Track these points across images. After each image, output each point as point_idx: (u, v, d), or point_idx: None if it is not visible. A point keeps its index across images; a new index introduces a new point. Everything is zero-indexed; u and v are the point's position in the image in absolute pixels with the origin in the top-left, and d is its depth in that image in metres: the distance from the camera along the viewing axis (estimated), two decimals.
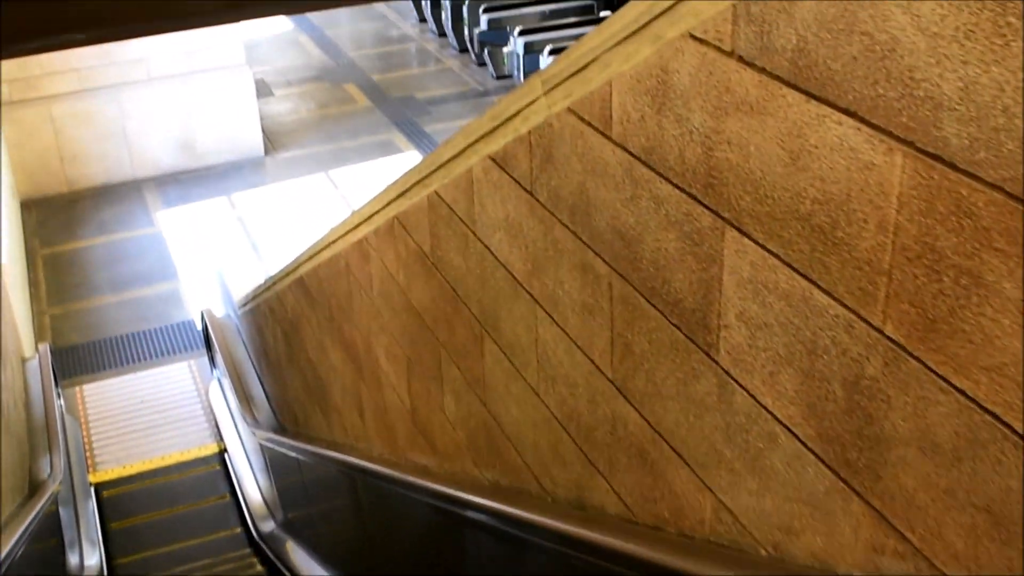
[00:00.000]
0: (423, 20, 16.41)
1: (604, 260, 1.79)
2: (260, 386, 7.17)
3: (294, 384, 5.73)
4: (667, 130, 1.51)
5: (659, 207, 1.58)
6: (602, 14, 14.16)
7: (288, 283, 5.08)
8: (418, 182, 2.70)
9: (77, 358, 9.05)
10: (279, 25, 16.63)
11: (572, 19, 14.00)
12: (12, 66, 10.46)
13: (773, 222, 1.34)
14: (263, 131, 12.31)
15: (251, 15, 6.08)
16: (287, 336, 5.58)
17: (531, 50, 12.82)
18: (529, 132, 1.97)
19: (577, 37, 13.03)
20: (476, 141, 2.22)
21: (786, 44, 1.24)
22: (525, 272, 2.13)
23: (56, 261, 10.47)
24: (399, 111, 13.35)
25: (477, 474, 2.72)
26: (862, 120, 1.16)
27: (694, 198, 1.49)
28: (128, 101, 11.22)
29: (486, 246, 2.31)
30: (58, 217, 11.13)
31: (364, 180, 11.30)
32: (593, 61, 1.66)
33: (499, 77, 13.98)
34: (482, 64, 14.37)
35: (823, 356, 1.31)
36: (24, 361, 7.48)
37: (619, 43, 1.57)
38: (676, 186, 1.52)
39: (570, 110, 1.79)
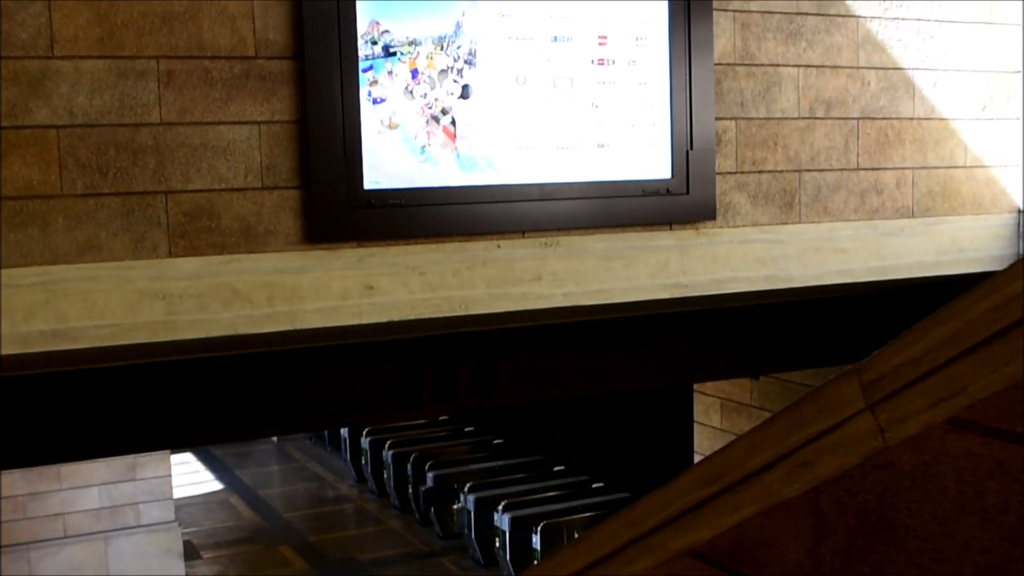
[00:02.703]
0: (361, 480, 15.59)
1: None
2: None
3: None
4: None
5: None
6: (555, 468, 13.52)
7: None
8: None
9: None
10: (209, 485, 15.71)
11: (522, 474, 13.33)
12: None
13: None
14: None
15: (184, 445, 5.23)
16: None
17: (484, 506, 11.96)
18: None
19: (530, 492, 12.32)
20: None
21: None
22: None
23: None
24: (339, 574, 12.17)
25: None
26: None
27: None
28: (39, 560, 10.01)
29: None
30: None
31: None
32: None
33: (447, 536, 12.99)
34: (427, 524, 13.41)
35: None
36: None
37: None
38: None
39: None
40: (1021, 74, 5.12)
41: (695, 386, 7.42)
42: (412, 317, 3.93)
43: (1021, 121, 5.14)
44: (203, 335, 3.59)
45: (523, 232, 4.11)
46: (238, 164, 3.64)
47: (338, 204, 3.78)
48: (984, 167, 5.08)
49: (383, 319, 3.88)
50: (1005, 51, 5.10)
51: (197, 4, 3.57)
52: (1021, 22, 5.08)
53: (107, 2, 3.44)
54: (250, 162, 3.66)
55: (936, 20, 4.93)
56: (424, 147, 3.92)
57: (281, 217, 3.72)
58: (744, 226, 4.54)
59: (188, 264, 3.57)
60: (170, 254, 3.55)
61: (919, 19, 4.88)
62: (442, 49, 3.94)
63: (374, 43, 3.83)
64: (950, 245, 4.99)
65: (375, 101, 3.83)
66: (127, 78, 3.48)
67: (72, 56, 3.39)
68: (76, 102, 3.40)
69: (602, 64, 4.22)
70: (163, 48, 3.53)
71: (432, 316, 3.96)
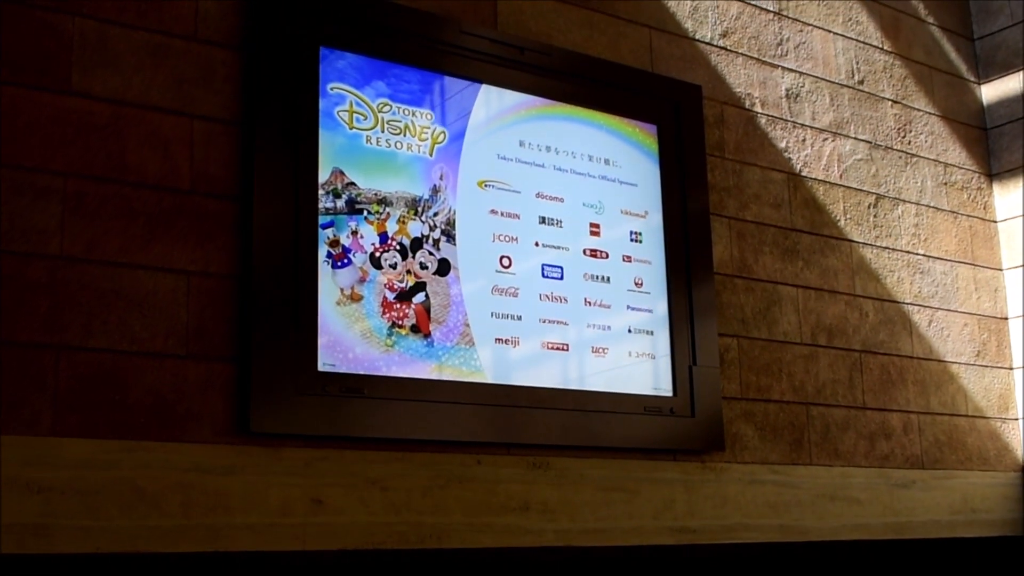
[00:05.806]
0: None
1: None
2: None
3: None
4: None
5: None
6: None
7: None
8: None
9: None
10: None
11: None
12: None
13: None
14: None
15: None
16: None
17: None
18: None
19: None
20: None
21: None
22: None
23: None
24: None
25: None
26: None
27: None
28: None
29: None
30: None
31: None
32: None
33: None
34: None
35: None
36: None
37: None
38: None
39: None
40: (1021, 321, 4.67)
41: None
42: (370, 547, 2.92)
43: (1017, 372, 4.64)
44: (90, 550, 2.51)
45: (508, 447, 3.23)
46: (157, 322, 2.72)
47: (283, 387, 2.84)
48: (985, 418, 4.51)
49: (333, 547, 2.86)
50: (992, 295, 4.69)
51: (123, 117, 2.76)
52: (1020, 263, 4.70)
53: (8, 97, 2.61)
54: (173, 321, 2.74)
55: (924, 255, 4.50)
56: (392, 328, 3.08)
57: (208, 397, 2.75)
58: (753, 463, 3.76)
59: (78, 448, 2.54)
60: (54, 432, 2.53)
61: (908, 252, 4.44)
62: (416, 214, 3.20)
63: (336, 195, 3.07)
64: (962, 504, 4.30)
65: (335, 265, 3.02)
66: (23, 194, 2.59)
67: None
68: None
69: (595, 256, 3.55)
70: (74, 164, 2.68)
71: (395, 547, 2.96)
